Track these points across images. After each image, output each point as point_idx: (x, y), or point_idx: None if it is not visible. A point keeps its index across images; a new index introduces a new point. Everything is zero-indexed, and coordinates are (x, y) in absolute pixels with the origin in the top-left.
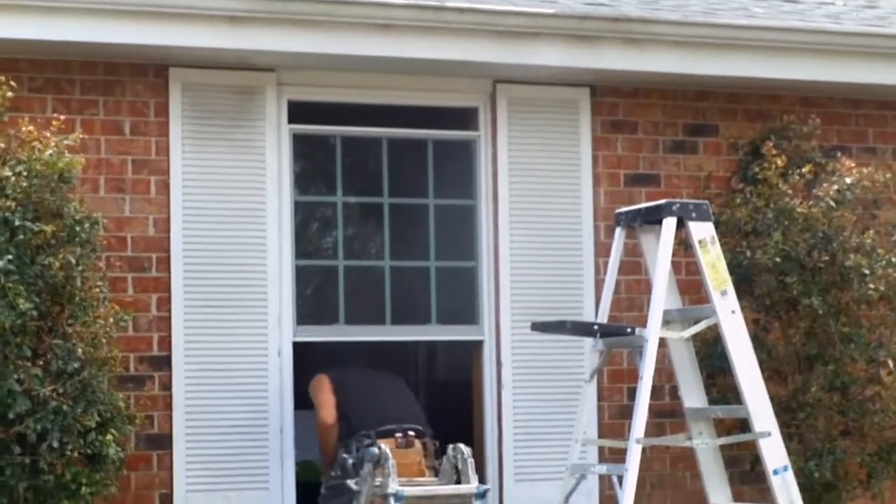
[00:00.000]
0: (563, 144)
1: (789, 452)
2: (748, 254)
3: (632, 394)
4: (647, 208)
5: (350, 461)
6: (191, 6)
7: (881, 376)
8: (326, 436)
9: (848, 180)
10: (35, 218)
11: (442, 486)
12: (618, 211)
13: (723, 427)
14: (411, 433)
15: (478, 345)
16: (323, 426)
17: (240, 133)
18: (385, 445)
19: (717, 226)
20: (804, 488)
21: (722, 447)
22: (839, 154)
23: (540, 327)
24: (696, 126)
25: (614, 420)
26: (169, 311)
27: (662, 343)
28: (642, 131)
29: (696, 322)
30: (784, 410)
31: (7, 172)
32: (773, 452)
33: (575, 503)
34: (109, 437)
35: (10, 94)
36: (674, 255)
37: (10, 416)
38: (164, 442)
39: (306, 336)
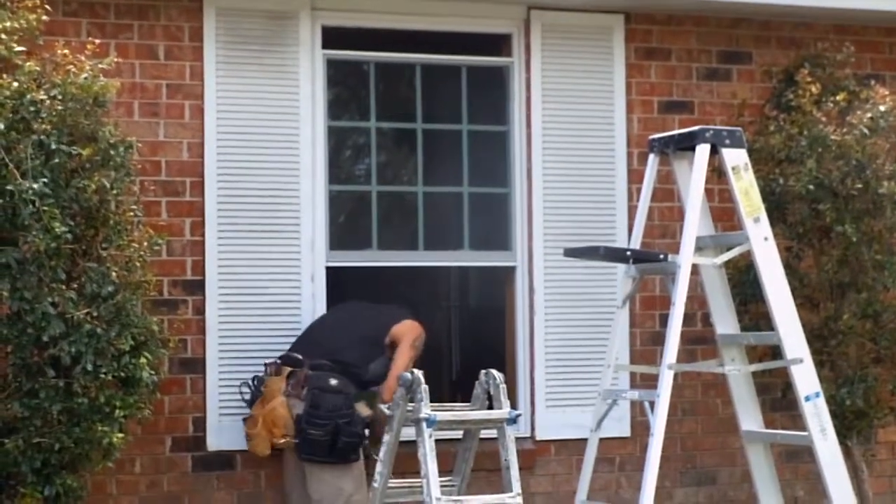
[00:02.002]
0: (597, 71)
1: (821, 380)
2: (781, 181)
3: (664, 320)
4: (680, 135)
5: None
6: None
7: None
8: None
9: (882, 108)
10: (70, 141)
11: (474, 412)
12: (651, 137)
13: (754, 354)
14: (279, 361)
15: (510, 271)
16: None
17: (274, 58)
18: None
19: (750, 153)
20: (835, 415)
21: (753, 374)
22: (873, 82)
23: (573, 253)
24: (729, 53)
25: (646, 346)
26: (202, 235)
27: (695, 270)
28: (676, 58)
29: (729, 249)
30: (816, 338)
31: (42, 96)
32: (805, 379)
33: (606, 428)
34: (143, 360)
35: (44, 17)
36: (707, 181)
37: (45, 338)
38: (197, 366)
39: (339, 261)
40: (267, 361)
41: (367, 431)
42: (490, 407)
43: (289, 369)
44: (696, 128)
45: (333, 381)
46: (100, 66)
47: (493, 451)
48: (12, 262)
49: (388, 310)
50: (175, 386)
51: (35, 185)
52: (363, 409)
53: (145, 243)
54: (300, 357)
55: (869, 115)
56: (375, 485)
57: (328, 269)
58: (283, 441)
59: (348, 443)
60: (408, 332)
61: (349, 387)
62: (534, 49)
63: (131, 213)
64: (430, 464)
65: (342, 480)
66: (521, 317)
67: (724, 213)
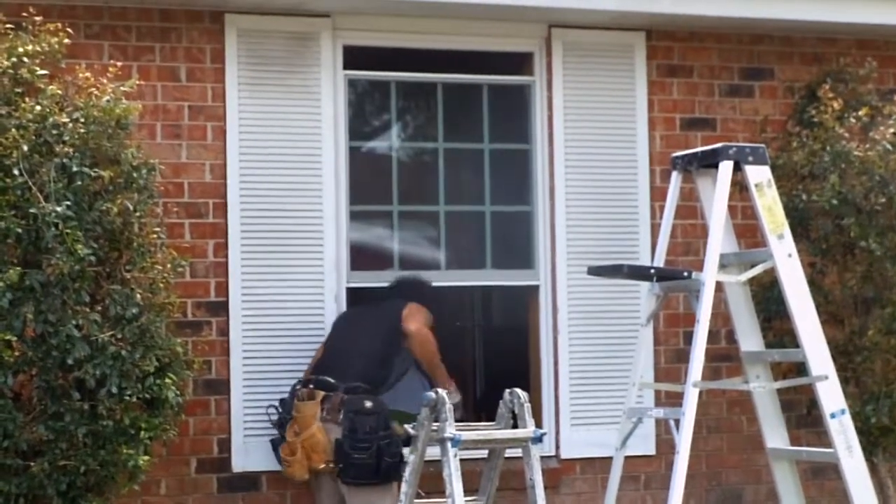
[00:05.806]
0: (619, 89)
1: (846, 396)
2: (804, 197)
3: (688, 338)
4: (703, 152)
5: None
6: None
7: None
8: None
9: None
10: (92, 164)
11: (499, 431)
12: (674, 155)
13: (779, 371)
14: (311, 385)
15: (533, 289)
16: None
17: (295, 79)
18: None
19: (773, 169)
20: (861, 432)
21: (778, 391)
22: (895, 97)
23: (596, 271)
24: (751, 70)
25: (670, 364)
26: (226, 256)
27: (719, 287)
28: (698, 75)
29: (753, 266)
30: (841, 354)
31: (64, 119)
32: (830, 396)
33: (631, 447)
34: (168, 381)
35: (66, 40)
36: (730, 198)
37: (70, 361)
38: (221, 387)
39: (361, 281)
40: (296, 385)
41: (405, 450)
42: (515, 426)
43: (322, 394)
44: (718, 145)
45: (368, 404)
46: (122, 88)
47: (519, 470)
48: (36, 285)
49: (389, 302)
50: (199, 407)
51: (58, 208)
52: (398, 429)
53: (169, 265)
54: (333, 381)
55: (892, 130)
56: None
57: (350, 289)
58: (323, 467)
59: (391, 463)
60: (415, 314)
61: (383, 406)
62: (555, 67)
63: (154, 235)
64: (455, 483)
65: (384, 501)
66: (545, 335)
67: (747, 229)
